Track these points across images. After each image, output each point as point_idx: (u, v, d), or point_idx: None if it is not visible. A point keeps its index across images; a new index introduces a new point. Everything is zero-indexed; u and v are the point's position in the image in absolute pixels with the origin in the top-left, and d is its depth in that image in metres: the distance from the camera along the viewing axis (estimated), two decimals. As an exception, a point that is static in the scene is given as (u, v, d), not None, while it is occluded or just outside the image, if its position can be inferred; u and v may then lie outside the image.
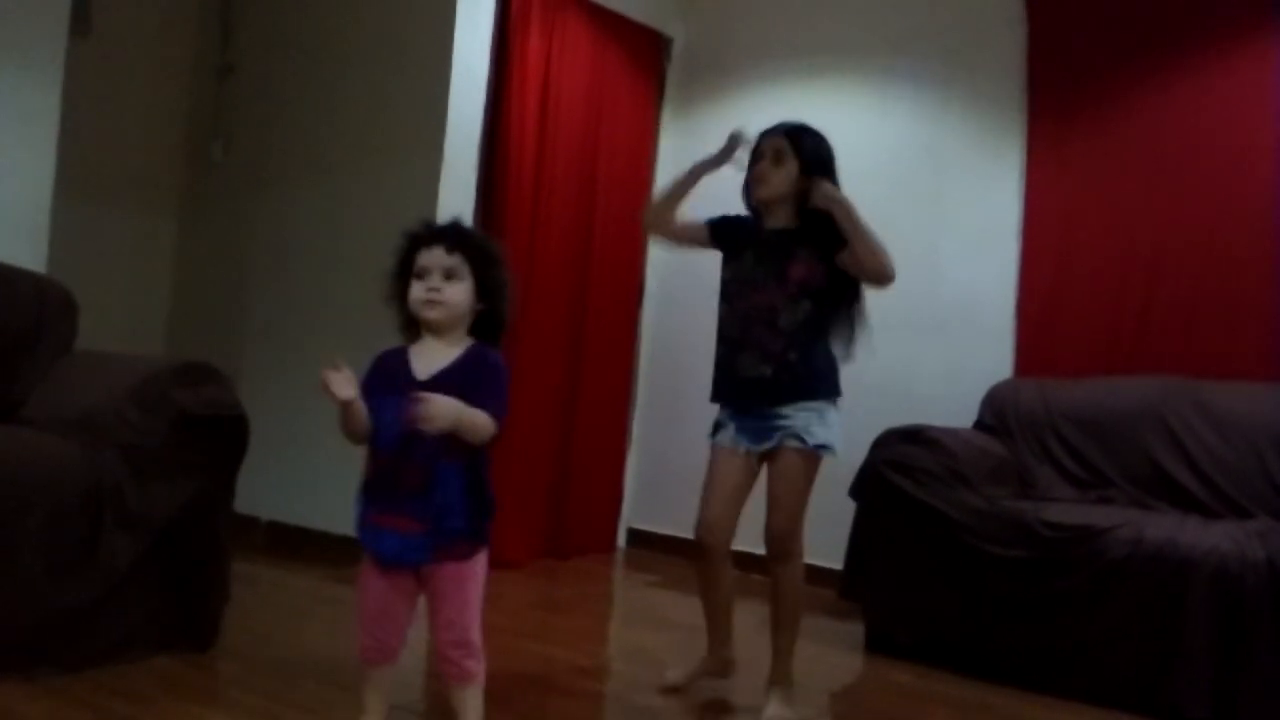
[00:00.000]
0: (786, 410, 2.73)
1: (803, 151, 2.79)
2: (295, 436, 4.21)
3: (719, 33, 5.17)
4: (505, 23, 4.31)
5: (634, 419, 5.18)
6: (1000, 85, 4.43)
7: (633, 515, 5.18)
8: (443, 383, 2.10)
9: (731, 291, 2.86)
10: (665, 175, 5.18)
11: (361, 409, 2.12)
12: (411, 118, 4.19)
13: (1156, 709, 3.03)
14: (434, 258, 2.17)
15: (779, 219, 2.82)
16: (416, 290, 2.17)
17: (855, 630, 3.69)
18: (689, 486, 4.80)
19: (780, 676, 2.83)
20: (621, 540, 5.16)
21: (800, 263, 2.74)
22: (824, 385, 2.78)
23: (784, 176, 2.78)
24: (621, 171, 4.90)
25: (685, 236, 3.00)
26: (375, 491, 2.15)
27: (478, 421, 2.06)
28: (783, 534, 2.77)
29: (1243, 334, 3.84)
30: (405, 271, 2.20)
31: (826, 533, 4.08)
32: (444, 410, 2.00)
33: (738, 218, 2.94)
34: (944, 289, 4.47)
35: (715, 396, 2.91)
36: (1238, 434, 3.60)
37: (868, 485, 3.65)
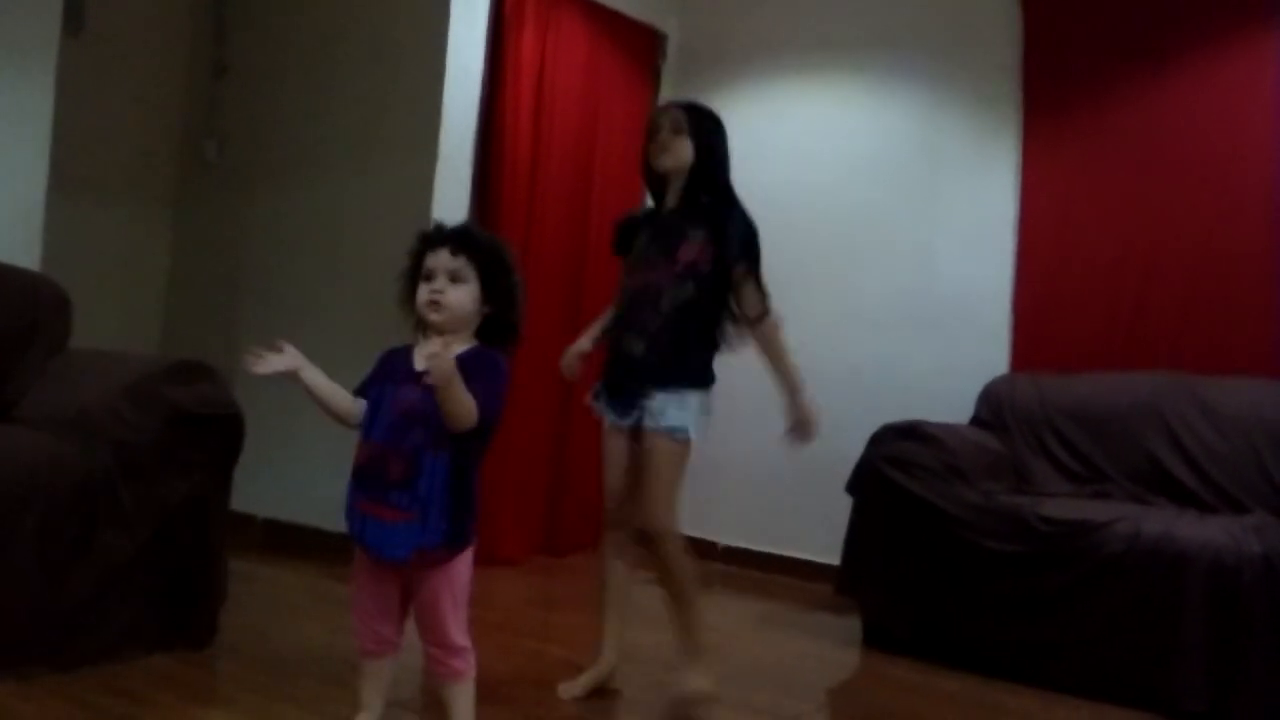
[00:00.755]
0: (650, 391, 2.71)
1: (695, 129, 2.80)
2: (291, 434, 4.20)
3: (714, 29, 5.17)
4: (500, 20, 4.31)
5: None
6: (996, 81, 4.43)
7: (629, 512, 5.17)
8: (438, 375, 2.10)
9: (626, 269, 2.88)
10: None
11: (319, 381, 2.20)
12: (406, 116, 4.18)
13: (1153, 703, 3.04)
14: (439, 260, 2.18)
15: (673, 197, 2.83)
16: (421, 292, 2.19)
17: (852, 625, 3.69)
18: (685, 482, 4.83)
19: (688, 646, 2.76)
20: (618, 537, 5.14)
21: (691, 244, 2.72)
22: (689, 373, 2.74)
23: (686, 145, 2.77)
24: (617, 168, 4.89)
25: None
26: (363, 479, 2.16)
27: (465, 400, 2.04)
28: (647, 519, 2.72)
29: (1239, 329, 3.85)
30: (415, 273, 2.22)
31: (823, 528, 4.09)
32: (447, 364, 2.00)
33: (630, 215, 2.99)
34: (940, 285, 4.48)
35: (604, 370, 2.90)
36: (1234, 429, 3.61)
37: (865, 481, 3.65)
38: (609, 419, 2.83)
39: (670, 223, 2.80)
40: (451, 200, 4.15)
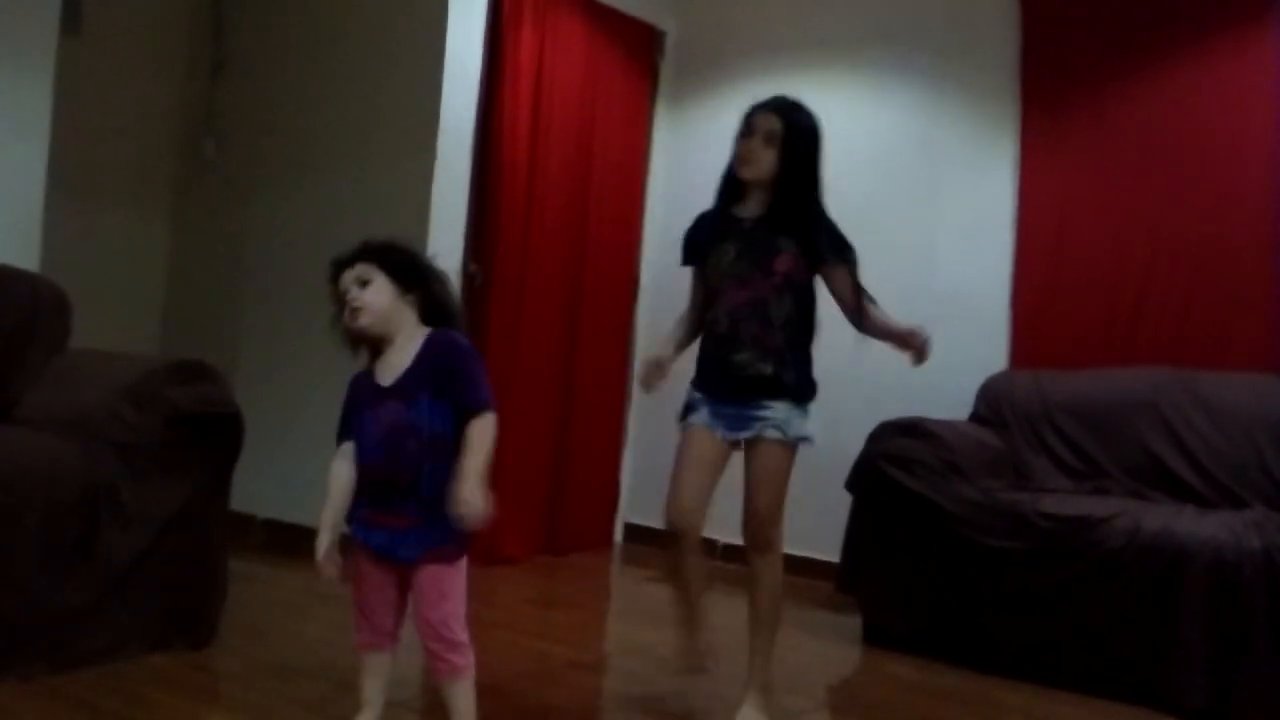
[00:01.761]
0: (772, 403, 2.66)
1: (791, 141, 2.68)
2: (290, 434, 4.20)
3: (712, 26, 5.16)
4: (498, 18, 4.30)
5: (630, 414, 5.17)
6: (994, 77, 4.43)
7: (629, 510, 5.18)
8: (407, 384, 2.16)
9: (714, 287, 2.75)
10: (659, 170, 5.18)
11: (338, 511, 2.21)
12: (404, 114, 4.18)
13: (1153, 698, 3.04)
14: (345, 278, 2.24)
15: (755, 205, 2.71)
16: (344, 312, 2.23)
17: (852, 623, 3.69)
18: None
19: (759, 679, 2.71)
20: (618, 535, 5.16)
21: (785, 255, 2.65)
22: (811, 386, 2.72)
23: (773, 159, 2.66)
24: (615, 167, 4.90)
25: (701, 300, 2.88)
26: (367, 494, 2.19)
27: (485, 446, 2.11)
28: (763, 523, 2.69)
29: (1238, 324, 3.84)
30: (339, 305, 2.26)
31: (823, 526, 4.09)
32: (474, 494, 2.05)
33: (699, 223, 2.83)
34: (938, 281, 4.48)
35: (700, 386, 2.78)
36: (1233, 424, 3.61)
37: (864, 478, 3.65)
38: (716, 432, 2.70)
39: (758, 234, 2.68)
40: (449, 199, 4.16)
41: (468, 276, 4.28)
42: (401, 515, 2.14)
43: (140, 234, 4.70)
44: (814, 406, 2.73)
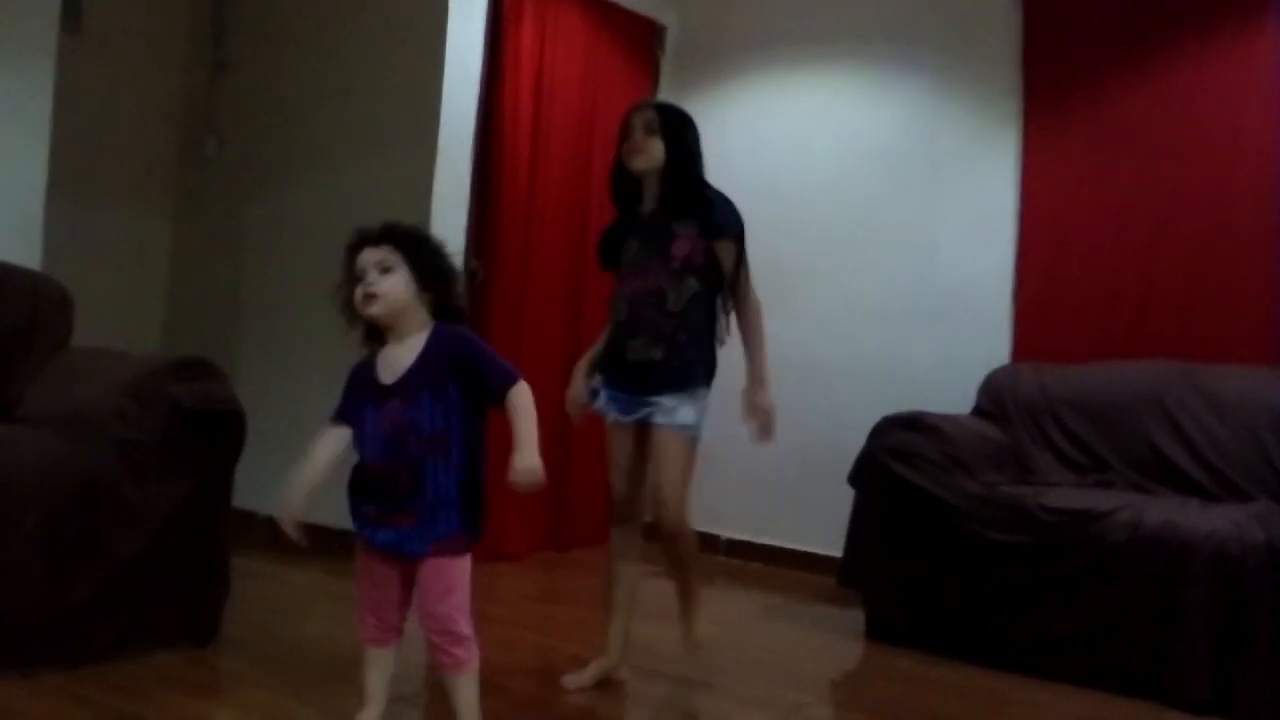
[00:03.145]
0: (662, 395, 2.73)
1: (668, 126, 2.79)
2: (293, 431, 4.16)
3: (713, 20, 5.16)
4: (498, 13, 4.30)
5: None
6: (996, 71, 4.42)
7: (632, 506, 5.17)
8: (409, 381, 2.15)
9: (621, 276, 2.86)
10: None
11: (316, 473, 2.24)
12: (405, 110, 4.18)
13: (1157, 692, 3.04)
14: (365, 257, 2.22)
15: (652, 199, 2.83)
16: (356, 293, 2.21)
17: (855, 617, 3.69)
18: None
19: (690, 604, 2.92)
20: (621, 531, 5.15)
21: (683, 239, 2.74)
22: (704, 370, 2.78)
23: (658, 145, 2.77)
24: (617, 162, 4.89)
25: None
26: (370, 493, 2.19)
27: (531, 413, 2.14)
28: (665, 512, 2.75)
29: (1240, 317, 3.84)
30: (350, 283, 2.24)
31: (826, 520, 4.09)
32: (533, 460, 2.09)
33: (607, 229, 2.96)
34: (941, 275, 4.47)
35: (601, 370, 2.88)
36: (1236, 417, 3.60)
37: (866, 473, 3.65)
38: (612, 416, 2.83)
39: (656, 223, 2.79)
40: (451, 195, 4.15)
41: (469, 273, 4.28)
42: (408, 514, 2.14)
43: (142, 232, 4.71)
44: (707, 394, 2.79)
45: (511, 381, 2.15)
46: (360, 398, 2.22)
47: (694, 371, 2.74)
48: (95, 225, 4.44)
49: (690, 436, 2.74)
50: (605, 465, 2.90)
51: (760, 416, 2.75)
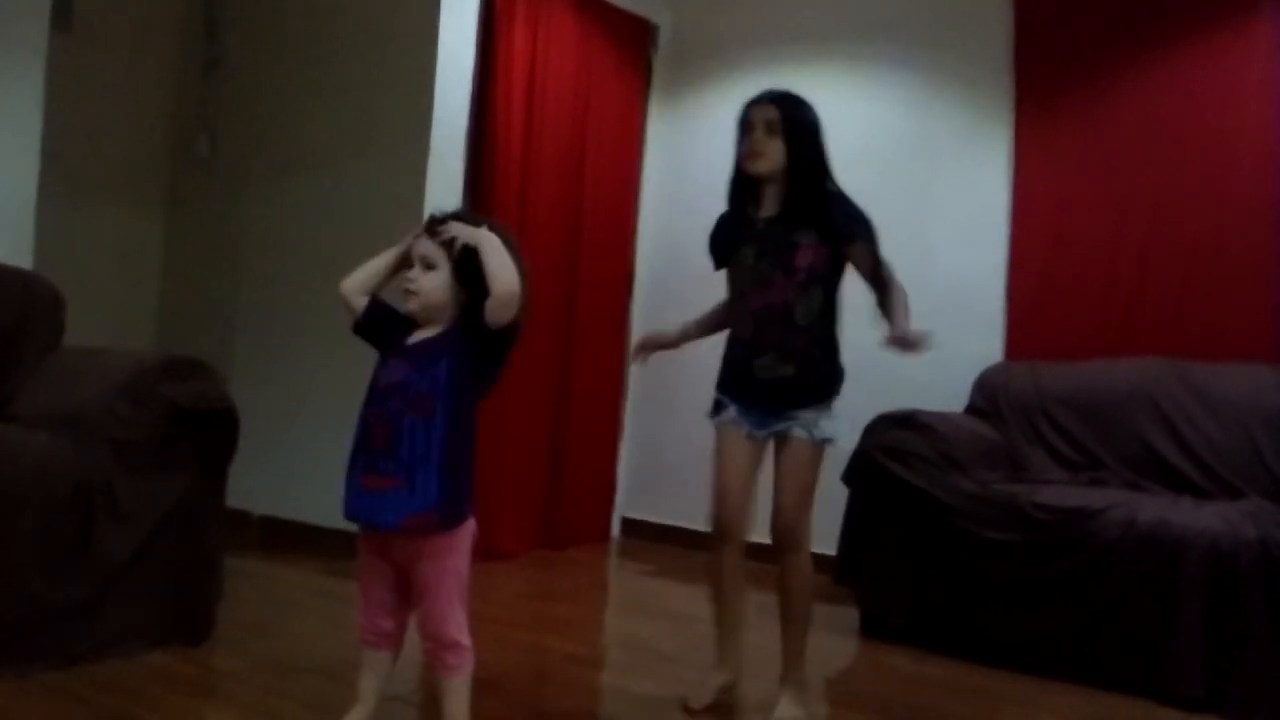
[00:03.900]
0: (801, 410, 2.66)
1: (792, 127, 2.66)
2: (286, 431, 4.20)
3: (705, 19, 5.16)
4: (490, 13, 4.29)
5: (626, 408, 5.17)
6: (988, 70, 4.43)
7: (626, 504, 5.18)
8: (433, 346, 2.16)
9: (738, 290, 2.75)
10: (654, 164, 5.18)
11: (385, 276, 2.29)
12: (398, 110, 4.17)
13: (1150, 689, 3.04)
14: (417, 247, 2.22)
15: (772, 203, 2.69)
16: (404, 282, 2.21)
17: (850, 615, 3.69)
18: (682, 475, 4.85)
19: (792, 675, 2.75)
20: (615, 530, 5.16)
21: (805, 249, 2.63)
22: (836, 383, 2.70)
23: (780, 148, 2.64)
24: (609, 161, 4.89)
25: (717, 325, 2.92)
26: (356, 452, 2.19)
27: (505, 263, 2.12)
28: (790, 524, 2.70)
29: (1233, 315, 3.85)
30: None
31: (820, 518, 4.04)
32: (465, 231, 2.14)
33: (719, 225, 2.83)
34: (934, 274, 4.47)
35: (723, 390, 2.78)
36: (1229, 414, 3.61)
37: (860, 471, 3.65)
38: (742, 430, 2.72)
39: (775, 232, 2.66)
40: (443, 194, 4.14)
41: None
42: (380, 475, 2.12)
43: (134, 231, 4.69)
44: (838, 399, 2.71)
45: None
46: (389, 339, 2.23)
47: (831, 385, 2.68)
48: (87, 224, 4.42)
49: (827, 450, 2.69)
50: (716, 479, 2.77)
51: (913, 335, 2.60)
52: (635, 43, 5.07)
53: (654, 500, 5.06)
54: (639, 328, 5.14)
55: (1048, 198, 4.25)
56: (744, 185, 2.74)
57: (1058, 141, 4.25)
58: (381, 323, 2.27)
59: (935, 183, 4.53)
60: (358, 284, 2.32)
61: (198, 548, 2.87)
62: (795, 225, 2.65)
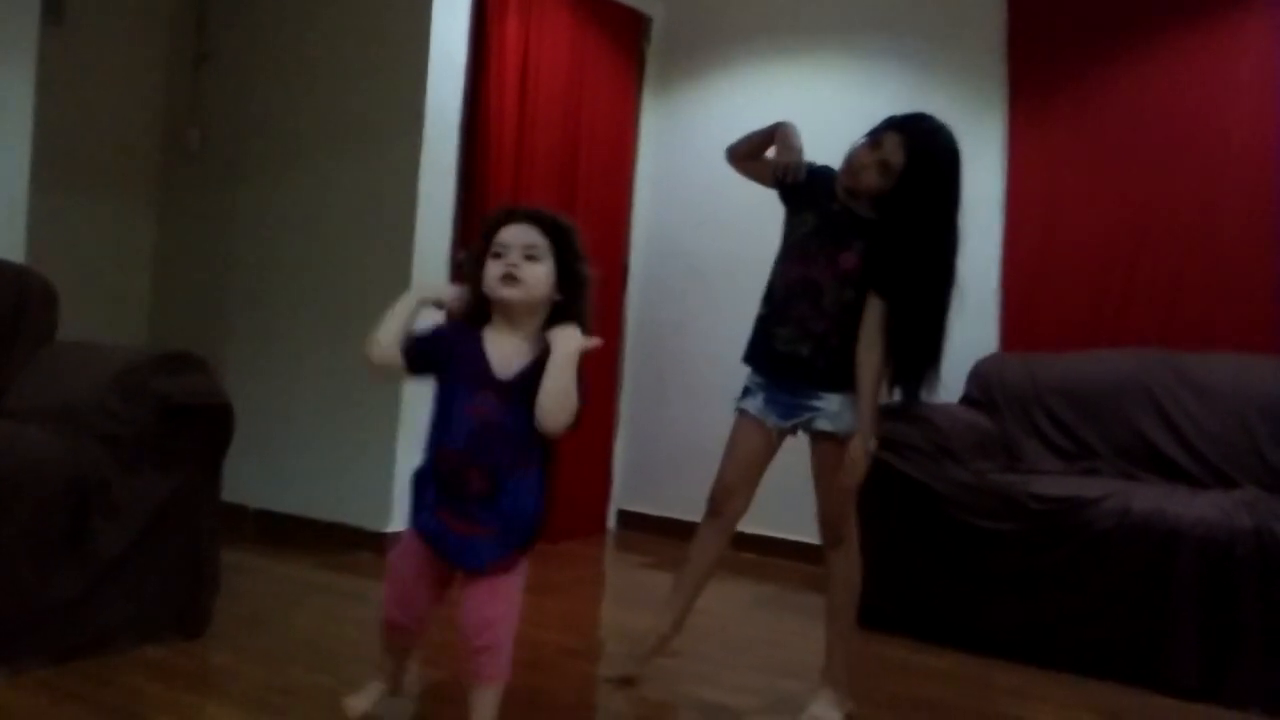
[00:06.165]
0: (823, 394, 2.65)
1: (911, 176, 2.54)
2: (281, 424, 4.19)
3: (698, 11, 5.15)
4: (483, 5, 4.28)
5: (621, 401, 5.17)
6: (981, 60, 4.43)
7: (622, 497, 5.18)
8: (527, 381, 1.99)
9: (785, 248, 2.76)
10: (647, 156, 5.17)
11: (408, 311, 2.06)
12: (390, 103, 4.16)
13: (1146, 679, 3.05)
14: (516, 233, 2.03)
15: (858, 200, 2.65)
16: (493, 268, 2.01)
17: (845, 606, 3.69)
18: (678, 468, 4.85)
19: (832, 674, 2.76)
20: (611, 522, 5.16)
21: (851, 254, 2.62)
22: (852, 376, 2.65)
23: (879, 184, 2.57)
24: (602, 153, 4.88)
25: (754, 172, 2.91)
26: (441, 490, 2.03)
27: (572, 388, 1.95)
28: (834, 518, 2.71)
29: (1227, 305, 3.86)
30: (483, 254, 2.05)
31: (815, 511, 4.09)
32: (570, 343, 1.95)
33: (815, 173, 2.79)
34: (928, 265, 4.47)
35: (748, 359, 2.80)
36: (1223, 404, 3.62)
37: (856, 462, 3.65)
38: (768, 420, 2.72)
39: (839, 220, 2.66)
40: (436, 187, 4.14)
41: (455, 264, 4.27)
42: (476, 523, 2.00)
43: (126, 225, 4.67)
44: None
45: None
46: (457, 369, 2.02)
47: (845, 374, 2.62)
48: (79, 218, 4.40)
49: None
50: (724, 458, 2.79)
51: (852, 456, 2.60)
52: (628, 35, 5.06)
53: (650, 492, 5.06)
54: (633, 320, 5.14)
55: (1042, 188, 4.25)
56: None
57: (1052, 132, 4.25)
58: (429, 354, 2.06)
59: (929, 174, 4.52)
60: (389, 343, 2.04)
61: (193, 542, 2.86)
62: (855, 228, 2.64)
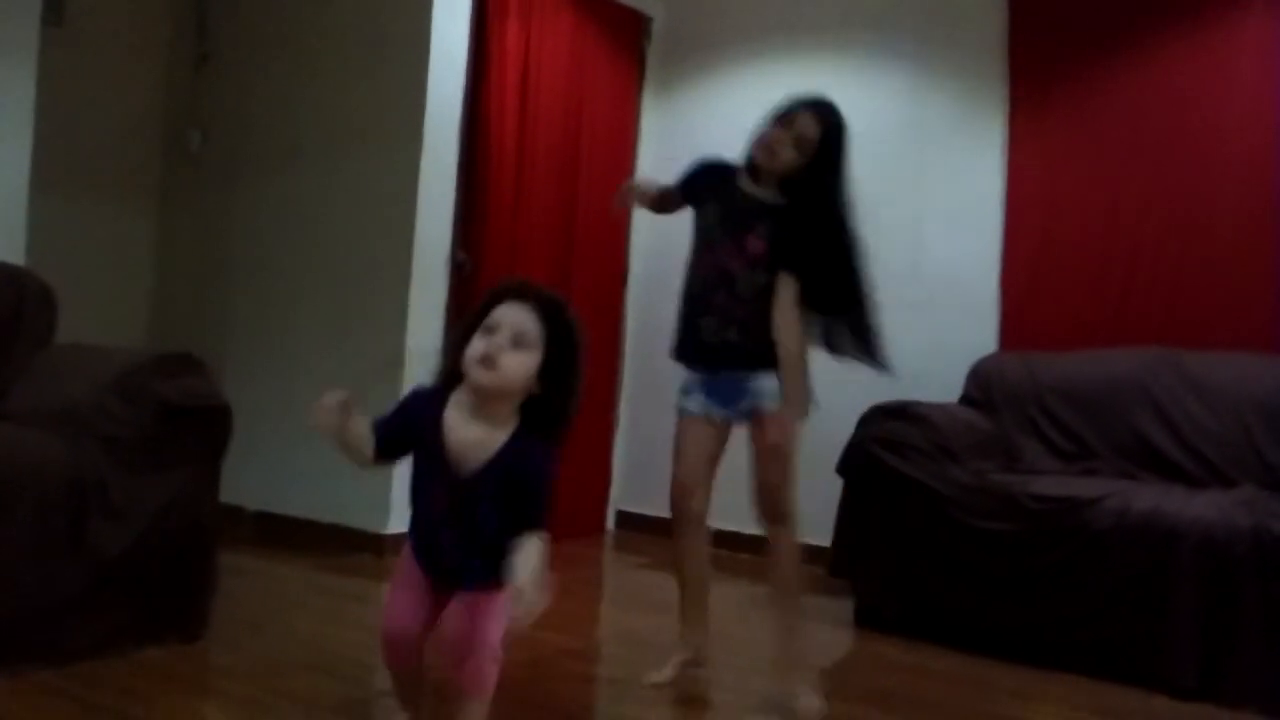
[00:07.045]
0: (758, 373, 2.72)
1: (825, 150, 2.72)
2: (280, 426, 4.19)
3: (698, 11, 5.15)
4: (483, 5, 4.28)
5: (621, 402, 5.17)
6: (981, 60, 4.43)
7: (621, 498, 5.18)
8: (484, 479, 1.94)
9: (696, 242, 2.84)
10: (648, 155, 5.17)
11: (352, 431, 1.98)
12: (391, 104, 4.16)
13: (1144, 678, 3.05)
14: (511, 314, 1.95)
15: (763, 188, 2.77)
16: (475, 345, 1.93)
17: (845, 606, 3.70)
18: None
19: (791, 661, 2.79)
20: (610, 523, 5.16)
21: (756, 237, 2.71)
22: (775, 357, 2.72)
23: (795, 161, 2.71)
24: (603, 153, 4.88)
25: (670, 209, 3.02)
26: (418, 549, 2.04)
27: (537, 561, 1.82)
28: (774, 488, 2.72)
29: (1226, 304, 3.86)
30: (476, 323, 1.98)
31: (815, 510, 4.07)
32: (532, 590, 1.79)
33: (712, 166, 2.89)
34: (928, 265, 4.48)
35: (678, 356, 2.86)
36: (1222, 403, 3.62)
37: (855, 462, 3.65)
38: (707, 413, 2.79)
39: (743, 207, 2.75)
40: (437, 188, 4.14)
41: (455, 264, 4.27)
42: (456, 575, 2.00)
43: (126, 227, 4.68)
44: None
45: (534, 529, 1.88)
46: (423, 447, 1.98)
47: (770, 354, 2.70)
48: (78, 220, 4.41)
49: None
50: (675, 460, 2.84)
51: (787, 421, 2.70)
52: (629, 35, 5.06)
53: (649, 493, 5.05)
54: (634, 322, 5.14)
55: (1041, 187, 4.24)
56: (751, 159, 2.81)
57: (1051, 131, 4.25)
58: (399, 440, 2.02)
59: (928, 173, 4.53)
60: (355, 458, 2.03)
61: (191, 544, 2.86)
62: (761, 212, 2.74)
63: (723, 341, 2.73)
